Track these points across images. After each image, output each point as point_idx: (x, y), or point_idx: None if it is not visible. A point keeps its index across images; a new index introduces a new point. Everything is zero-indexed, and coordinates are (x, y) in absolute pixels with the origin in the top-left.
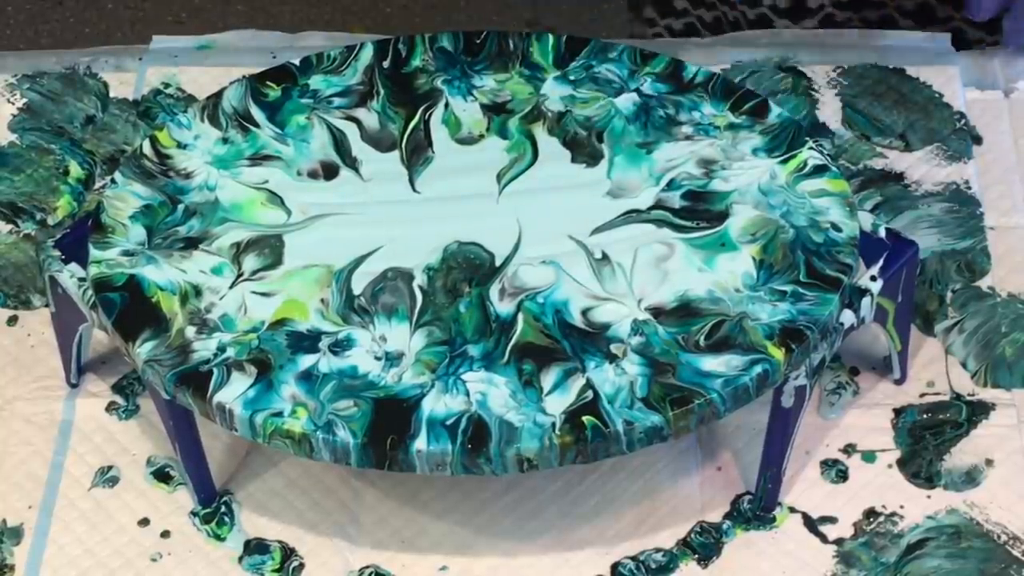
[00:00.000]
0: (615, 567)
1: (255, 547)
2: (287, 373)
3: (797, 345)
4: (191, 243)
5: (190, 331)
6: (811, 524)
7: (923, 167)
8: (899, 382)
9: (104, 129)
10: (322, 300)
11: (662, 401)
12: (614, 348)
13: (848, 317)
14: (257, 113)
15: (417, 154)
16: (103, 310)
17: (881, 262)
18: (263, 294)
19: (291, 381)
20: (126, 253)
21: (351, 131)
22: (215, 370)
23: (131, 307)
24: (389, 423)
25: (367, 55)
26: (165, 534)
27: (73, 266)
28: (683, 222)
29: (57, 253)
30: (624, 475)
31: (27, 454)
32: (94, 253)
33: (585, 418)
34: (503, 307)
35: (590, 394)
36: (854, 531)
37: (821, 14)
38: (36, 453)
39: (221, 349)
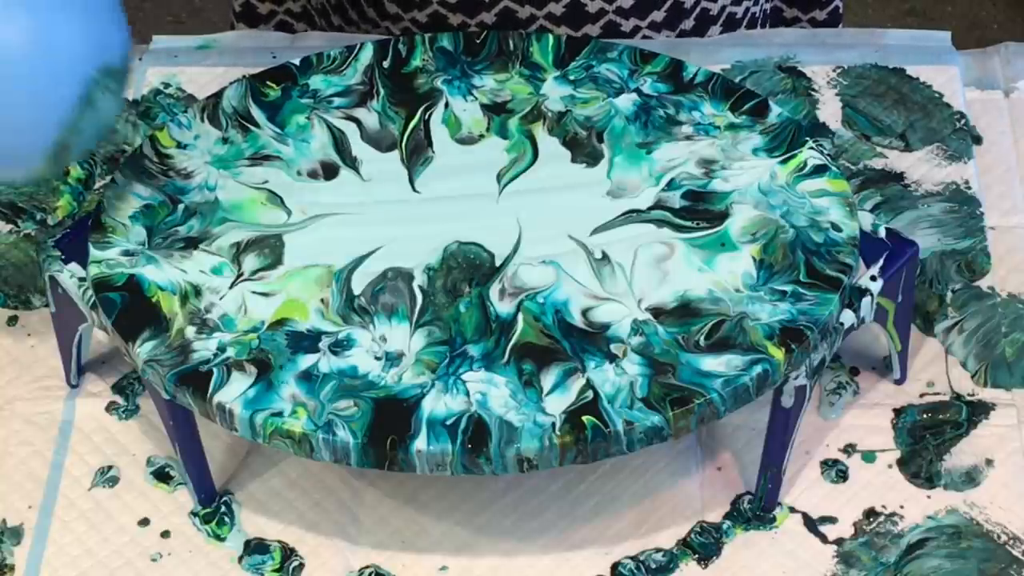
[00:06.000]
0: (615, 567)
1: (255, 547)
2: (287, 373)
3: (797, 345)
4: (191, 243)
5: (190, 331)
6: (811, 524)
7: (923, 167)
8: (899, 382)
9: None
10: (322, 300)
11: (662, 401)
12: (614, 348)
13: (848, 317)
14: (257, 113)
15: (417, 154)
16: (103, 310)
17: (881, 262)
18: (263, 294)
19: (291, 381)
20: (126, 253)
21: (351, 131)
22: (215, 370)
23: (131, 307)
24: (389, 423)
25: (367, 55)
26: (165, 534)
27: (73, 266)
28: (683, 222)
29: (57, 253)
30: (624, 475)
31: (27, 454)
32: (94, 253)
33: (585, 418)
34: (503, 307)
35: (590, 394)
36: (854, 531)
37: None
38: (36, 453)
39: (221, 349)
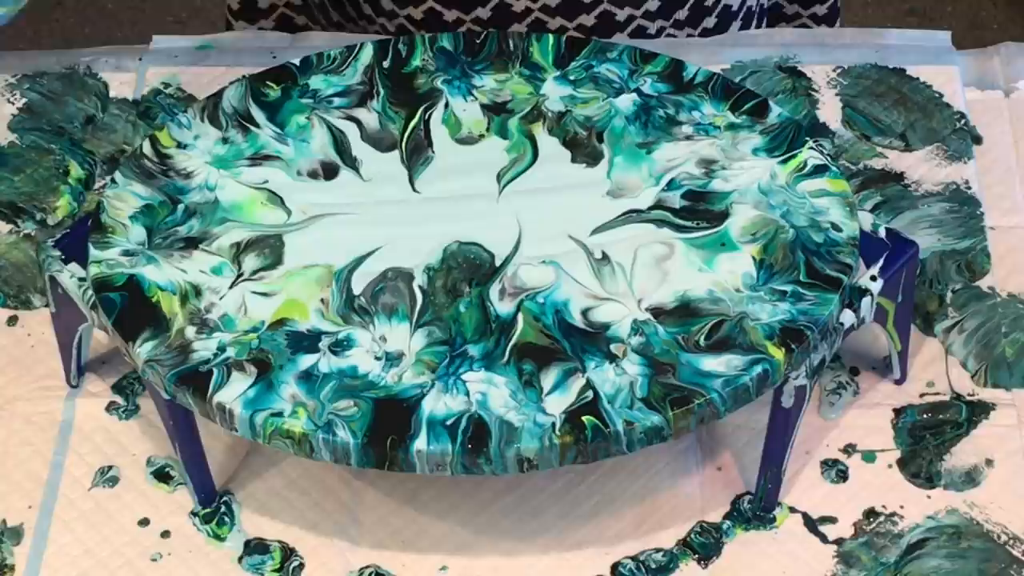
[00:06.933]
0: (615, 567)
1: (255, 547)
2: (287, 373)
3: (797, 345)
4: (191, 243)
5: (190, 331)
6: (811, 524)
7: (923, 167)
8: (899, 382)
9: (104, 129)
10: (322, 300)
11: (662, 401)
12: (614, 348)
13: (848, 317)
14: (257, 113)
15: (417, 154)
16: (103, 310)
17: (881, 262)
18: (263, 294)
19: (291, 381)
20: (126, 253)
21: (351, 131)
22: (215, 370)
23: (131, 307)
24: (389, 423)
25: (367, 55)
26: (165, 534)
27: (73, 266)
28: (683, 222)
29: (57, 253)
30: (624, 475)
31: (27, 454)
32: (94, 253)
33: (585, 418)
34: (503, 307)
35: (590, 394)
36: (854, 531)
37: None
38: (36, 453)
39: (221, 349)
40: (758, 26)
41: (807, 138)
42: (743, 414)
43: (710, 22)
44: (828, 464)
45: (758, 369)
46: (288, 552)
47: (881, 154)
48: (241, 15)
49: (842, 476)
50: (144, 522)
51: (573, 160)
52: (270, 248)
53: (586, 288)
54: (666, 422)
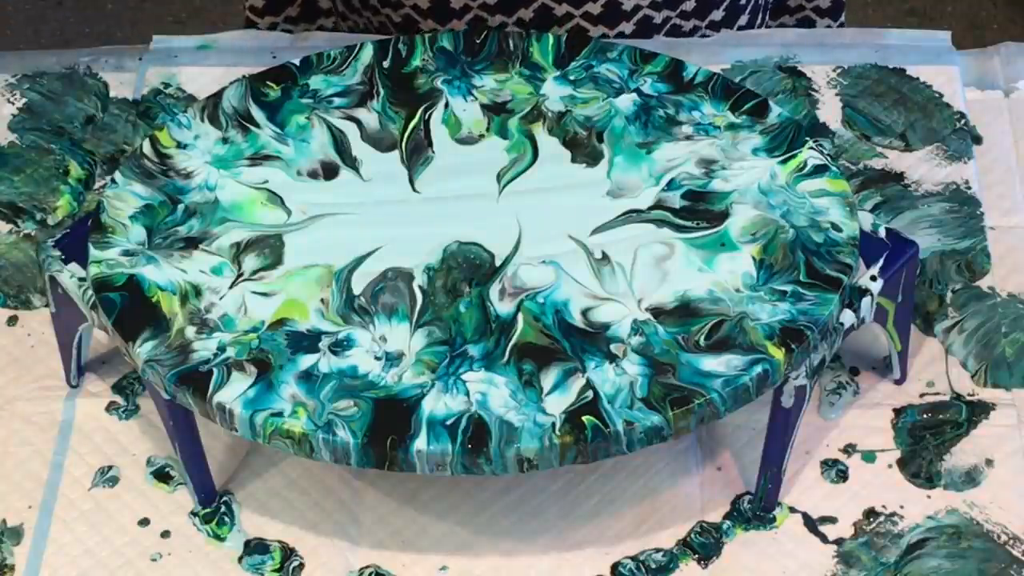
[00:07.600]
0: (615, 567)
1: (255, 547)
2: (287, 373)
3: (797, 345)
4: (191, 243)
5: (190, 331)
6: (811, 524)
7: (923, 167)
8: (899, 382)
9: (104, 129)
10: (322, 300)
11: (662, 401)
12: (614, 348)
13: (848, 317)
14: (257, 113)
15: (417, 154)
16: (103, 310)
17: (881, 262)
18: (263, 294)
19: (291, 381)
20: (126, 253)
21: (351, 131)
22: (215, 370)
23: (131, 307)
24: (389, 423)
25: (367, 55)
26: (165, 534)
27: (73, 266)
28: (683, 222)
29: (57, 253)
30: (624, 475)
31: (27, 454)
32: (94, 253)
33: (585, 418)
34: (503, 307)
35: (590, 394)
36: (854, 531)
37: None
38: (36, 453)
39: (221, 349)
40: (763, 19)
41: (807, 138)
42: (743, 414)
43: (717, 15)
44: (828, 464)
45: (758, 369)
46: (288, 552)
47: (881, 154)
48: (266, 11)
49: (842, 476)
50: (144, 522)
51: (573, 160)
52: (270, 248)
53: (586, 288)
54: (666, 422)
